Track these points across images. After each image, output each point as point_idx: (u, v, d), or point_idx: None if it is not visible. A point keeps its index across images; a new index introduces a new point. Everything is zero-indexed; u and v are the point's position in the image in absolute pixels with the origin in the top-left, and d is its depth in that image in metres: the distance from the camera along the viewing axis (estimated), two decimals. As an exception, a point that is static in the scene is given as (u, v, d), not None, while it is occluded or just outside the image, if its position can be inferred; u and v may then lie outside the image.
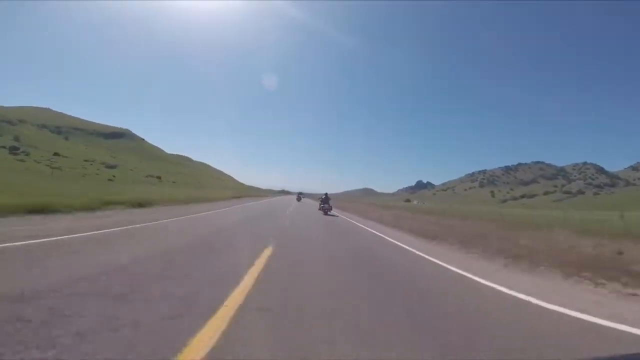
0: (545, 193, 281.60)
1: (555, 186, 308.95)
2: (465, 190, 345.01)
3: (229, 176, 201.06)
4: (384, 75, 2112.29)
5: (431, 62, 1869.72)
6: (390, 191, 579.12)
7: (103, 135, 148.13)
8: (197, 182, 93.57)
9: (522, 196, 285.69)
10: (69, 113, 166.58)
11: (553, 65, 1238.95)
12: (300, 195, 63.31)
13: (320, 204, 23.39)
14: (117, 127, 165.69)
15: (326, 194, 23.59)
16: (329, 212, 22.06)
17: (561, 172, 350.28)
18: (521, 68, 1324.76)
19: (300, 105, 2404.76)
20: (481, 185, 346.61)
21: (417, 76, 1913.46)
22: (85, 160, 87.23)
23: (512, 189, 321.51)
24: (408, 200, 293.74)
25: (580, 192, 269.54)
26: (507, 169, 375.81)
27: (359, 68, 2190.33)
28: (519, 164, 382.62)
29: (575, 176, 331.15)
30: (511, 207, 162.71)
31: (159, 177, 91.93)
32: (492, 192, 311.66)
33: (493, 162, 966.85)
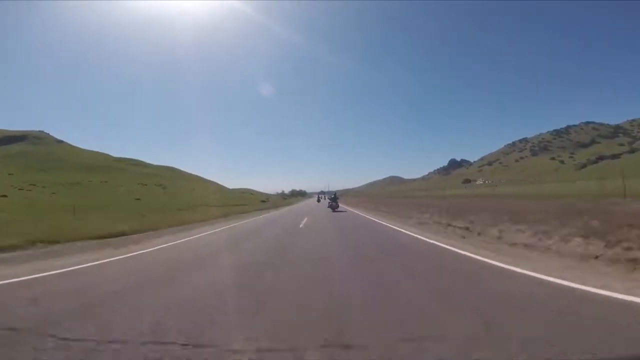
0: (632, 151, 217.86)
1: (622, 144, 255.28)
2: (517, 161, 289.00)
3: (214, 183, 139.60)
4: (400, 50, 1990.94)
5: (450, 27, 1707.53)
6: (419, 176, 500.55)
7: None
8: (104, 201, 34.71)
9: (600, 158, 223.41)
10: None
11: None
12: (320, 196, 59.98)
13: (329, 202, 28.06)
14: (21, 131, 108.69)
15: (335, 193, 29.15)
16: (336, 209, 25.65)
17: (619, 129, 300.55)
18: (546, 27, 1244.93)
19: (308, 98, 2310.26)
20: (533, 154, 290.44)
21: (436, 45, 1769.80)
22: None
23: (573, 153, 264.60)
24: (468, 181, 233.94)
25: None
26: (557, 133, 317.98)
27: (374, 48, 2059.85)
28: (568, 127, 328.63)
29: (638, 131, 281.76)
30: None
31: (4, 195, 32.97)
32: (553, 158, 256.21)
33: (532, 129, 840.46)
